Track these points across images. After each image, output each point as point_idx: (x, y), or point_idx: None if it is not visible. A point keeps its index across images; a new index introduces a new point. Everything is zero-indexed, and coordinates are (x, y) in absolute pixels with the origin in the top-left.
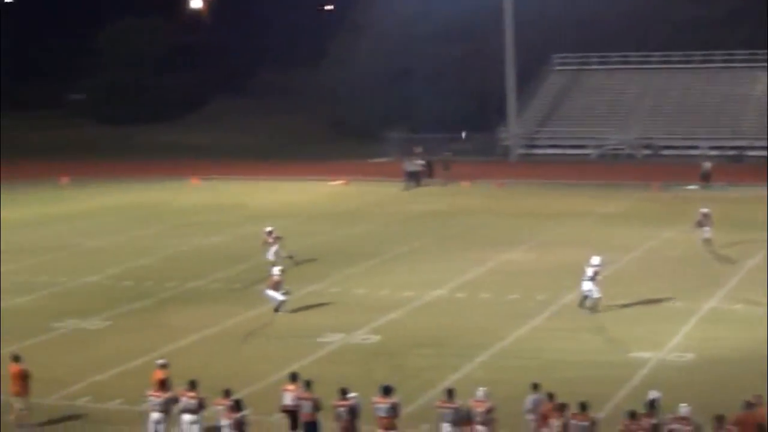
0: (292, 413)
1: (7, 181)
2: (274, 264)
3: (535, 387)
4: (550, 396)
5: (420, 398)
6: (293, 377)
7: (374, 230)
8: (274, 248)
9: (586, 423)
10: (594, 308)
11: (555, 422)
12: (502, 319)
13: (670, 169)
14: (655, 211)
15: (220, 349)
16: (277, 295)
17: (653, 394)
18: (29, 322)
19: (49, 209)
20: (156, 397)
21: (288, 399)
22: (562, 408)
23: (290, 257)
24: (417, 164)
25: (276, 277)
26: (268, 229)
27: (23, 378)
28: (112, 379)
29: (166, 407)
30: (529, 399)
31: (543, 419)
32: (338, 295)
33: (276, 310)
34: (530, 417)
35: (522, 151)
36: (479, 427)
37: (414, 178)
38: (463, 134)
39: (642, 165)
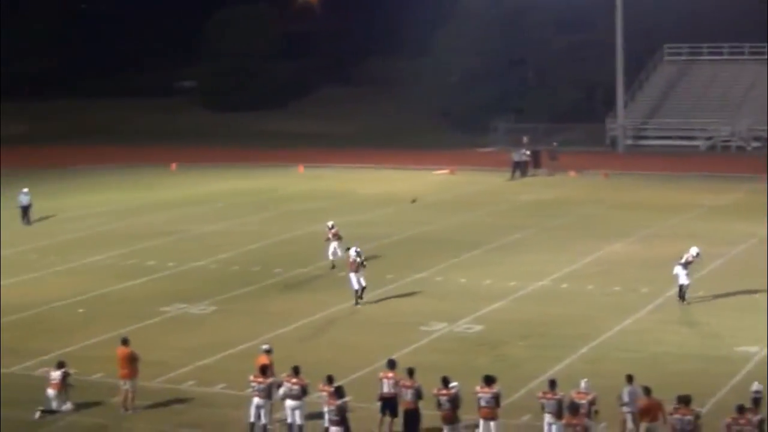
0: (389, 400)
1: (119, 166)
2: (332, 261)
3: (630, 379)
4: (647, 390)
5: (522, 388)
6: (391, 364)
7: (479, 220)
8: (333, 244)
9: (689, 417)
10: (683, 296)
11: (677, 417)
12: (606, 311)
13: None
14: (764, 204)
15: (323, 335)
16: (355, 283)
17: (755, 386)
18: (138, 306)
19: (159, 194)
20: (258, 383)
21: (386, 386)
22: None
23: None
24: (523, 154)
25: (353, 258)
26: (330, 223)
27: (131, 361)
28: (217, 364)
29: (269, 392)
30: (624, 391)
31: (641, 413)
32: (442, 283)
33: (357, 303)
34: (626, 409)
35: (630, 142)
36: (587, 420)
37: (520, 168)
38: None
39: (752, 157)
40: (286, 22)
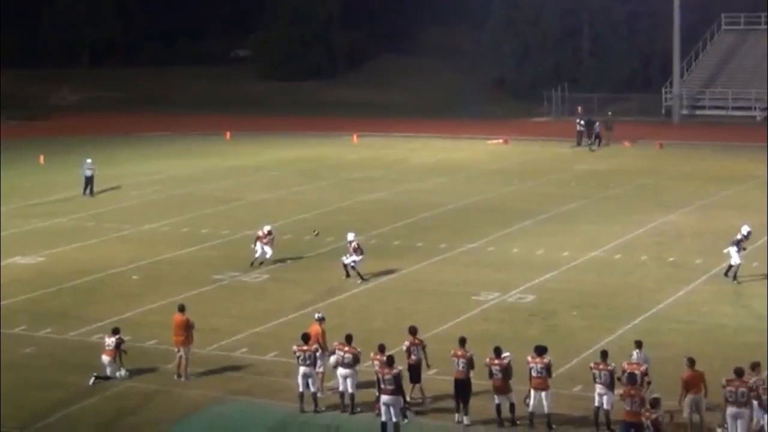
0: (415, 367)
1: (174, 135)
2: (261, 262)
3: (639, 345)
4: (691, 362)
5: (573, 359)
6: (413, 330)
7: (532, 190)
8: (259, 245)
9: (743, 389)
10: (734, 275)
11: (729, 389)
12: (659, 282)
13: None
14: None
15: (376, 304)
16: (351, 259)
17: None
18: (192, 274)
19: (213, 163)
20: (301, 351)
21: (413, 353)
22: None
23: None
24: (578, 123)
25: (354, 243)
26: (267, 228)
27: (186, 328)
28: (269, 332)
29: (314, 360)
30: (633, 356)
31: (685, 385)
32: (494, 253)
33: (353, 276)
34: None
35: (685, 112)
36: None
37: (580, 137)
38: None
39: None
40: None
